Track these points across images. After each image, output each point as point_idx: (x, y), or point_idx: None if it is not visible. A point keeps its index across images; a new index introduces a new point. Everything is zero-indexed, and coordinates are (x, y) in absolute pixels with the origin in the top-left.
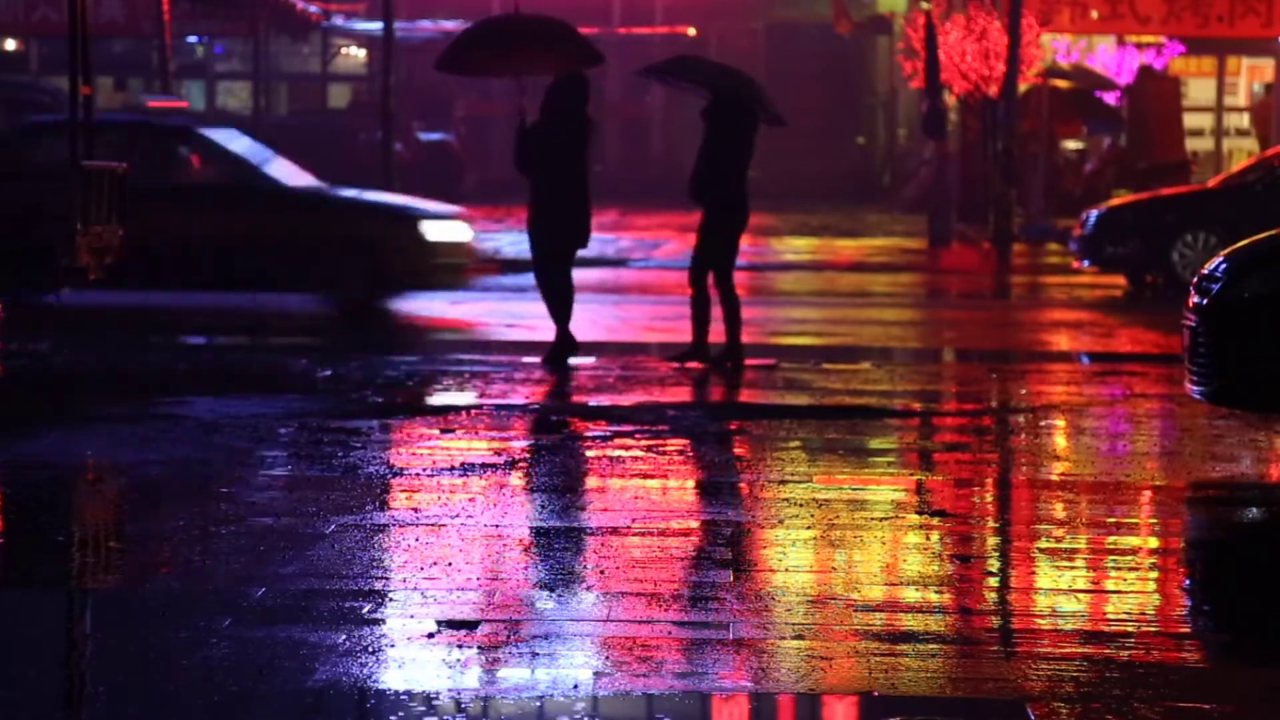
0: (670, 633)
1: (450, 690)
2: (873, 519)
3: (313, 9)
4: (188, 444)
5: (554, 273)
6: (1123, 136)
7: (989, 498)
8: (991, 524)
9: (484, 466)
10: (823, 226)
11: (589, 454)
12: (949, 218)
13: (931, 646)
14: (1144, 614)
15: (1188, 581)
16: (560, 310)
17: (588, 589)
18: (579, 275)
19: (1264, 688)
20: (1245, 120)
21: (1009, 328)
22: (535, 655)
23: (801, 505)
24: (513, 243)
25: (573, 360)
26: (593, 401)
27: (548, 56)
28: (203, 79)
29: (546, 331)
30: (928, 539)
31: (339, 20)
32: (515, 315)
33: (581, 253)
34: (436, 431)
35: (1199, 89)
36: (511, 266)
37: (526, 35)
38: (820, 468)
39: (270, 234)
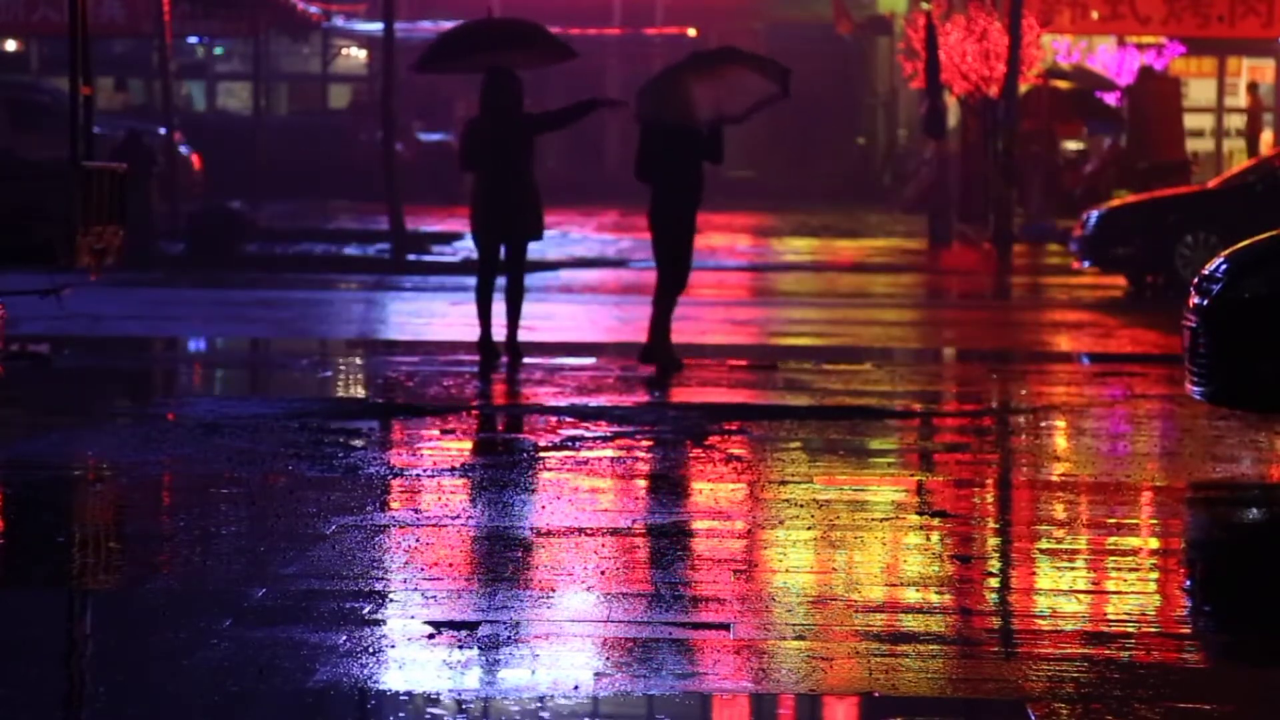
0: (670, 633)
1: (451, 691)
2: (873, 519)
3: (313, 9)
4: (188, 444)
5: (494, 273)
6: (1123, 137)
7: (989, 498)
8: (992, 525)
9: (484, 467)
10: (823, 227)
11: (589, 454)
12: (949, 218)
13: (932, 647)
14: (1144, 614)
15: (1188, 581)
16: (483, 311)
17: (588, 589)
18: (579, 275)
19: (1264, 688)
20: (1246, 121)
21: (1009, 328)
22: (535, 655)
23: (802, 506)
24: None
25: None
26: (593, 402)
27: (518, 55)
28: (203, 79)
29: (545, 332)
30: (928, 540)
31: (339, 21)
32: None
33: (582, 253)
34: (437, 432)
35: (1199, 89)
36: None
37: (498, 37)
38: (821, 468)
39: None
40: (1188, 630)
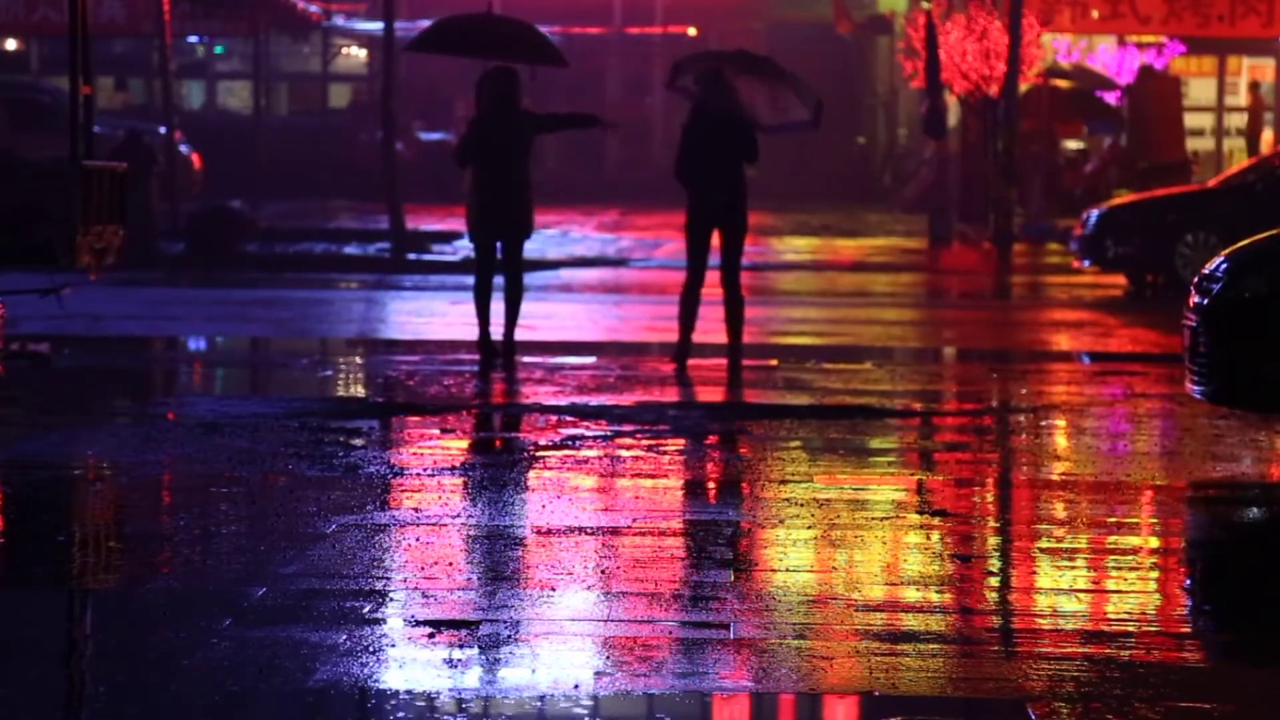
0: (670, 633)
1: (451, 690)
2: (873, 519)
3: (313, 9)
4: (188, 444)
5: (491, 271)
6: (1123, 136)
7: (989, 497)
8: (992, 524)
9: (484, 466)
10: (823, 226)
11: (590, 453)
12: (949, 218)
13: (932, 646)
14: (1144, 614)
15: (1188, 581)
16: (482, 310)
17: (588, 589)
18: (579, 274)
19: (1264, 688)
20: (1246, 120)
21: (1009, 328)
22: (535, 655)
23: (802, 505)
24: None
25: (508, 365)
26: (593, 401)
27: (511, 53)
28: (203, 79)
29: (546, 331)
30: (928, 539)
31: (339, 20)
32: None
33: (582, 252)
34: (437, 431)
35: (1199, 89)
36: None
37: (493, 33)
38: (821, 467)
39: None
40: (1188, 630)
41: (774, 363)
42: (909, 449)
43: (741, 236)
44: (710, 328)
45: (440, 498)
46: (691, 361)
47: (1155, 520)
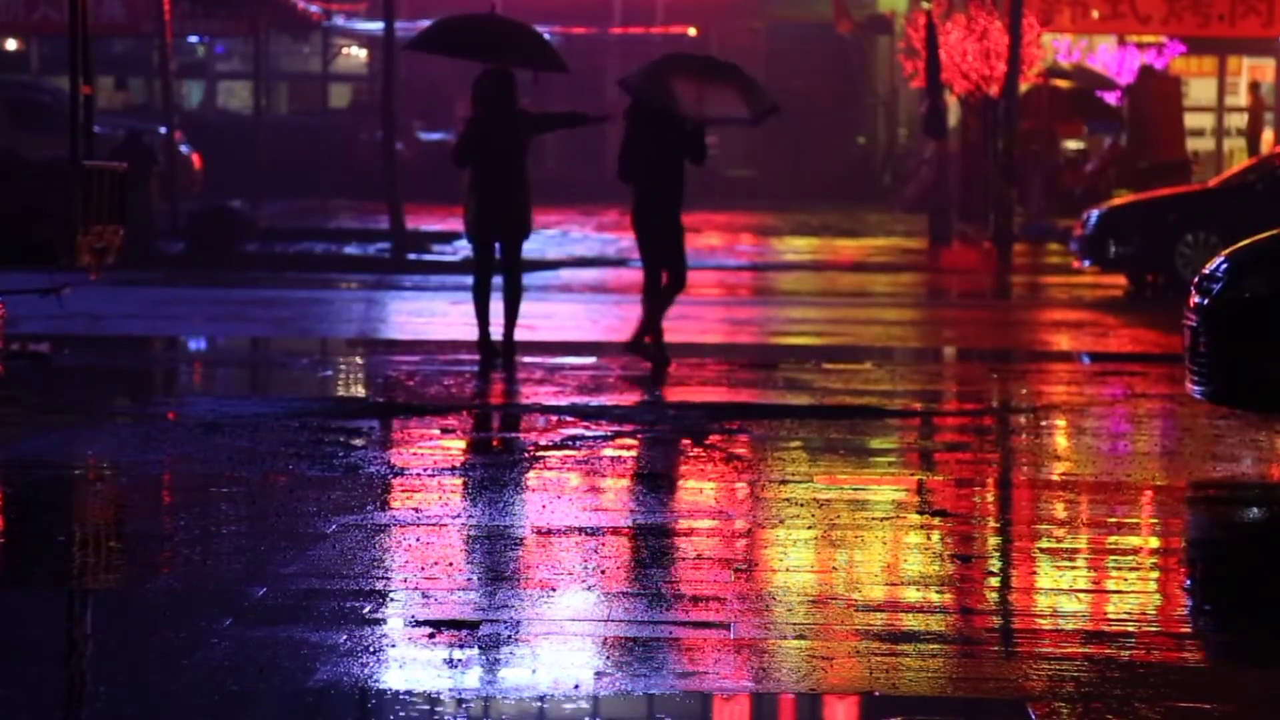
0: (670, 633)
1: (451, 690)
2: (874, 519)
3: (313, 9)
4: (188, 443)
5: (490, 271)
6: (1123, 136)
7: (990, 498)
8: (992, 524)
9: (484, 466)
10: (823, 226)
11: (589, 453)
12: (949, 217)
13: (932, 646)
14: (1144, 614)
15: (1188, 581)
16: (481, 310)
17: (588, 589)
18: (579, 274)
19: (1264, 688)
20: (1246, 120)
21: (1009, 328)
22: (536, 655)
23: (802, 505)
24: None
25: (503, 367)
26: (593, 401)
27: (512, 57)
28: (203, 79)
29: (546, 331)
30: (928, 539)
31: (340, 20)
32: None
33: (582, 252)
34: (437, 431)
35: (1199, 89)
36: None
37: (496, 35)
38: (821, 467)
39: None
40: (1188, 630)
41: (772, 363)
42: (909, 449)
43: (682, 232)
44: (707, 327)
45: (440, 498)
46: (690, 361)
47: (1155, 520)
